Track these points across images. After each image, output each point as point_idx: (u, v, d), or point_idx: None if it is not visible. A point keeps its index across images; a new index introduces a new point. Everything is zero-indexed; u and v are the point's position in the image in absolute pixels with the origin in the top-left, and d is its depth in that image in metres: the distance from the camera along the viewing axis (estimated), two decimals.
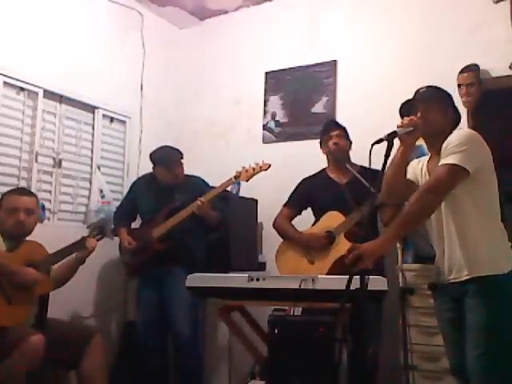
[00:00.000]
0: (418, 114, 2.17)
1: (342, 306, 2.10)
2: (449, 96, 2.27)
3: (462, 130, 2.22)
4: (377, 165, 2.11)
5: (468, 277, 2.04)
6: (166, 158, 3.49)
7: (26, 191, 3.07)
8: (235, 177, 3.30)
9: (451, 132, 2.17)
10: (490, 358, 1.97)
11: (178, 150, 3.54)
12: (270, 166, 3.29)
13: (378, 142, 2.08)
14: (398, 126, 2.14)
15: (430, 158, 2.26)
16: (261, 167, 3.28)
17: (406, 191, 2.27)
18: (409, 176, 2.30)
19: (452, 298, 2.14)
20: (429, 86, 2.28)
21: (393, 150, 2.14)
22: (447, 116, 2.21)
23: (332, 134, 3.28)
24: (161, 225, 3.39)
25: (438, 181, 2.05)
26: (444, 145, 2.10)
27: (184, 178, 3.55)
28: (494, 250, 2.06)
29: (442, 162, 2.07)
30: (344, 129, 3.33)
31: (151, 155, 3.57)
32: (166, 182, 3.52)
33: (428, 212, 2.09)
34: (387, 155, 2.08)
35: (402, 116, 2.24)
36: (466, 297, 2.05)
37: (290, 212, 3.35)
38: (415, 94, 2.25)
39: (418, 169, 2.29)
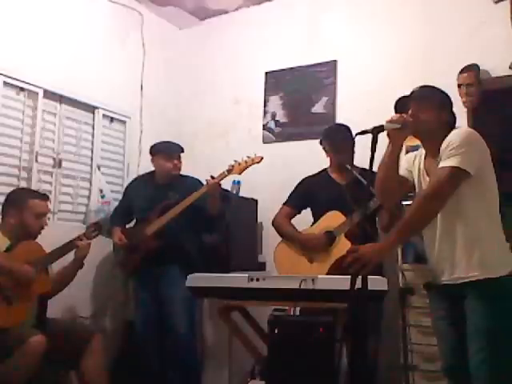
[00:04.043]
0: (409, 112, 2.13)
1: (350, 309, 2.08)
2: (445, 97, 2.21)
3: (461, 129, 2.16)
4: (362, 157, 2.05)
5: (468, 280, 2.01)
6: (167, 146, 3.56)
7: (45, 196, 3.12)
8: (228, 170, 3.30)
9: (447, 133, 2.12)
10: (494, 361, 1.95)
11: (179, 145, 3.60)
12: (262, 158, 3.29)
13: (362, 133, 2.04)
14: (386, 121, 2.10)
15: (425, 156, 2.22)
16: (253, 160, 3.29)
17: (399, 191, 2.25)
18: (403, 170, 2.26)
19: (449, 296, 2.12)
20: (426, 86, 2.24)
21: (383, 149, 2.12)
22: (440, 117, 2.14)
23: (348, 152, 3.15)
24: (154, 222, 3.38)
25: (440, 185, 2.02)
26: (443, 145, 2.06)
27: (179, 177, 3.56)
28: (495, 251, 2.03)
29: (442, 164, 2.03)
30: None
31: (152, 147, 3.62)
32: (163, 175, 3.54)
33: (430, 218, 2.06)
34: (373, 150, 2.00)
35: (396, 111, 2.22)
36: (466, 298, 2.03)
37: (290, 211, 3.32)
38: (412, 92, 2.21)
39: (413, 165, 2.25)
